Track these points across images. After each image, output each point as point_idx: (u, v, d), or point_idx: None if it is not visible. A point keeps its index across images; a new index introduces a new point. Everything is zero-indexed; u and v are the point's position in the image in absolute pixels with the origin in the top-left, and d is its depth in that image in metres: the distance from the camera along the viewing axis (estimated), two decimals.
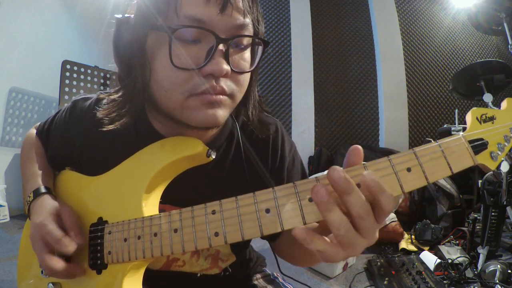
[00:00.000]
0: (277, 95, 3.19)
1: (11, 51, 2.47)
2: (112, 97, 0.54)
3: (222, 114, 0.47)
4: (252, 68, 0.49)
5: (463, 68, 1.96)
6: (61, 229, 0.49)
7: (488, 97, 1.70)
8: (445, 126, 2.31)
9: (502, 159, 0.40)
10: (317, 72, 3.21)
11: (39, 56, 2.69)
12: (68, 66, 2.52)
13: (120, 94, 0.53)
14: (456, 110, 2.57)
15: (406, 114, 3.12)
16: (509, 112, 0.42)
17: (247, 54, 0.49)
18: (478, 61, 1.89)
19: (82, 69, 2.61)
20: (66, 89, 2.51)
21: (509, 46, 1.83)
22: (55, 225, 0.49)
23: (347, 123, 3.19)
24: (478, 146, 0.39)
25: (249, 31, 0.47)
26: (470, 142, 0.38)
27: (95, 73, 2.70)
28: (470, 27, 2.98)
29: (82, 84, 2.61)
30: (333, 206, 0.33)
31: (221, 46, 0.43)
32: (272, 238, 0.65)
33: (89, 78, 2.65)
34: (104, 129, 0.50)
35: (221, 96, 0.46)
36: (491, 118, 0.41)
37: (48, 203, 0.53)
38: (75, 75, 2.57)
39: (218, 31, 0.43)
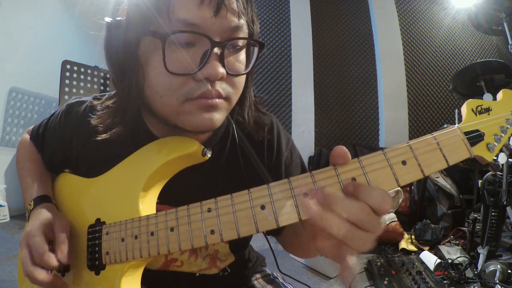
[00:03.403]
0: (277, 95, 3.19)
1: (11, 51, 2.47)
2: (106, 103, 0.54)
3: (219, 117, 0.46)
4: (247, 70, 0.48)
5: (463, 68, 1.96)
6: (50, 241, 0.50)
7: (488, 97, 1.69)
8: (445, 126, 2.31)
9: (499, 150, 0.40)
10: (317, 72, 3.20)
11: (39, 56, 2.69)
12: (68, 66, 2.52)
13: (114, 100, 0.52)
14: (456, 110, 2.57)
15: (406, 114, 3.11)
16: (505, 103, 0.42)
17: (242, 55, 0.48)
18: (478, 61, 1.89)
19: (82, 69, 2.61)
20: (66, 89, 2.51)
21: (509, 46, 1.83)
22: (42, 238, 0.49)
23: (347, 123, 3.18)
24: (474, 137, 0.38)
25: (244, 32, 0.46)
26: (466, 133, 0.38)
27: (95, 73, 2.69)
28: (470, 27, 2.98)
29: (82, 84, 2.60)
30: (326, 215, 0.33)
31: (216, 50, 0.42)
32: (277, 233, 0.64)
33: (89, 78, 2.65)
34: (98, 138, 0.50)
35: (217, 100, 0.45)
36: (487, 110, 0.40)
37: (43, 213, 0.53)
38: (75, 75, 2.57)
39: (212, 34, 0.42)
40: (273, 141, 0.62)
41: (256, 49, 0.49)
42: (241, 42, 0.47)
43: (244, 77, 0.50)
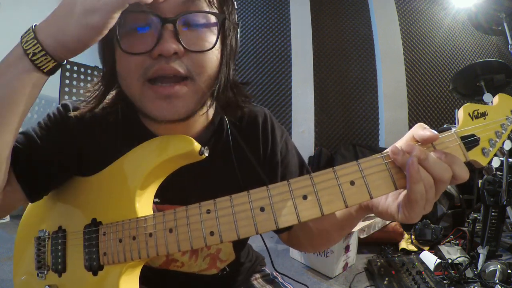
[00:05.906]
0: (277, 95, 3.19)
1: None
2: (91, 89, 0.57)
3: (181, 105, 0.47)
4: (211, 47, 0.47)
5: (463, 68, 1.96)
6: None
7: (488, 97, 1.70)
8: (445, 126, 2.31)
9: (494, 154, 0.41)
10: (317, 72, 3.20)
11: None
12: (68, 66, 2.52)
13: (95, 85, 0.56)
14: (456, 110, 2.57)
15: (406, 114, 3.11)
16: (500, 108, 0.42)
17: (208, 34, 0.47)
18: (478, 61, 1.88)
19: (82, 69, 2.62)
20: (66, 89, 2.51)
21: (509, 46, 1.83)
22: None
23: (347, 123, 3.18)
24: (470, 142, 0.39)
25: (199, 7, 0.46)
26: (462, 138, 0.39)
27: (95, 73, 2.70)
28: (470, 27, 2.97)
29: (82, 84, 2.61)
30: (420, 179, 0.36)
31: (169, 27, 0.43)
32: (285, 229, 0.64)
33: (89, 78, 2.66)
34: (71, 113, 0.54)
35: (176, 87, 0.45)
36: (483, 114, 0.41)
37: None
38: (75, 75, 2.57)
39: (164, 12, 0.43)
40: (267, 133, 0.62)
41: (230, 28, 0.50)
42: (203, 19, 0.47)
43: (211, 55, 0.48)
